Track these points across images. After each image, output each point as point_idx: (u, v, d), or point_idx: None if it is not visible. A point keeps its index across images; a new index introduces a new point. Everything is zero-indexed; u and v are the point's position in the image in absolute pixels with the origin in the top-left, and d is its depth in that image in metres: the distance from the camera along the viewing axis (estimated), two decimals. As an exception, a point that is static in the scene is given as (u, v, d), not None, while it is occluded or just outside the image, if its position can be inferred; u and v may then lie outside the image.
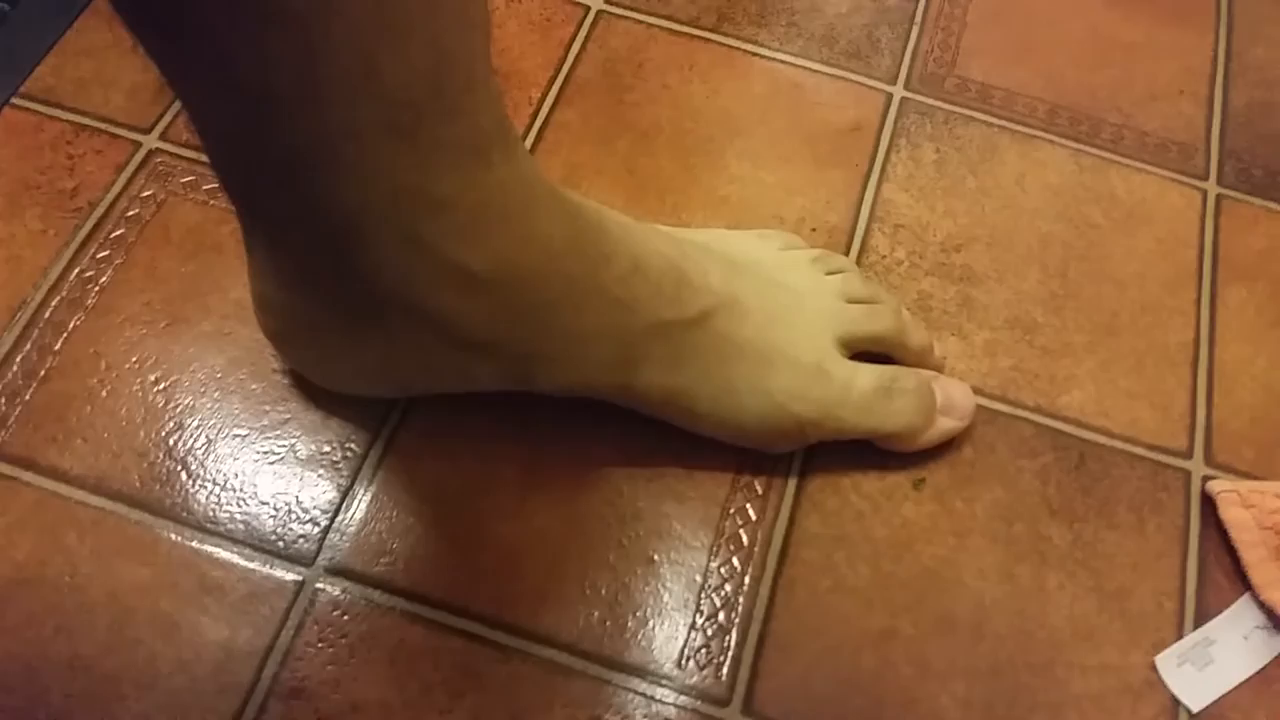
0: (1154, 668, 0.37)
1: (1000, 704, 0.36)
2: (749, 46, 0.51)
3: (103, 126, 0.45)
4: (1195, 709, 0.37)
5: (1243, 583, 0.39)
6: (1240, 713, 0.36)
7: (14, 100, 0.45)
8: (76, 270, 0.41)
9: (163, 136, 0.45)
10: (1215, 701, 0.37)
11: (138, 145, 0.44)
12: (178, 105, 0.46)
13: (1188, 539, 0.40)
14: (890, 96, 0.50)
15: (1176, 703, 0.37)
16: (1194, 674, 0.37)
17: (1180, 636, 0.38)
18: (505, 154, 0.30)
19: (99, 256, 0.41)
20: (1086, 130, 0.50)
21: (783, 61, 0.51)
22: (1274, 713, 0.37)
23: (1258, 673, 0.37)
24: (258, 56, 0.24)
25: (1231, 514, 0.40)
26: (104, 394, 0.38)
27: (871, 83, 0.50)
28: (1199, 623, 0.38)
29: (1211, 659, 0.38)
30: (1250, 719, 0.36)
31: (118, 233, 0.42)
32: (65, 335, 0.40)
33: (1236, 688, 0.37)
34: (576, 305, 0.34)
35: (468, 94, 0.28)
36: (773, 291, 0.38)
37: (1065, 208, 0.47)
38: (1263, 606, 0.38)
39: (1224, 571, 0.39)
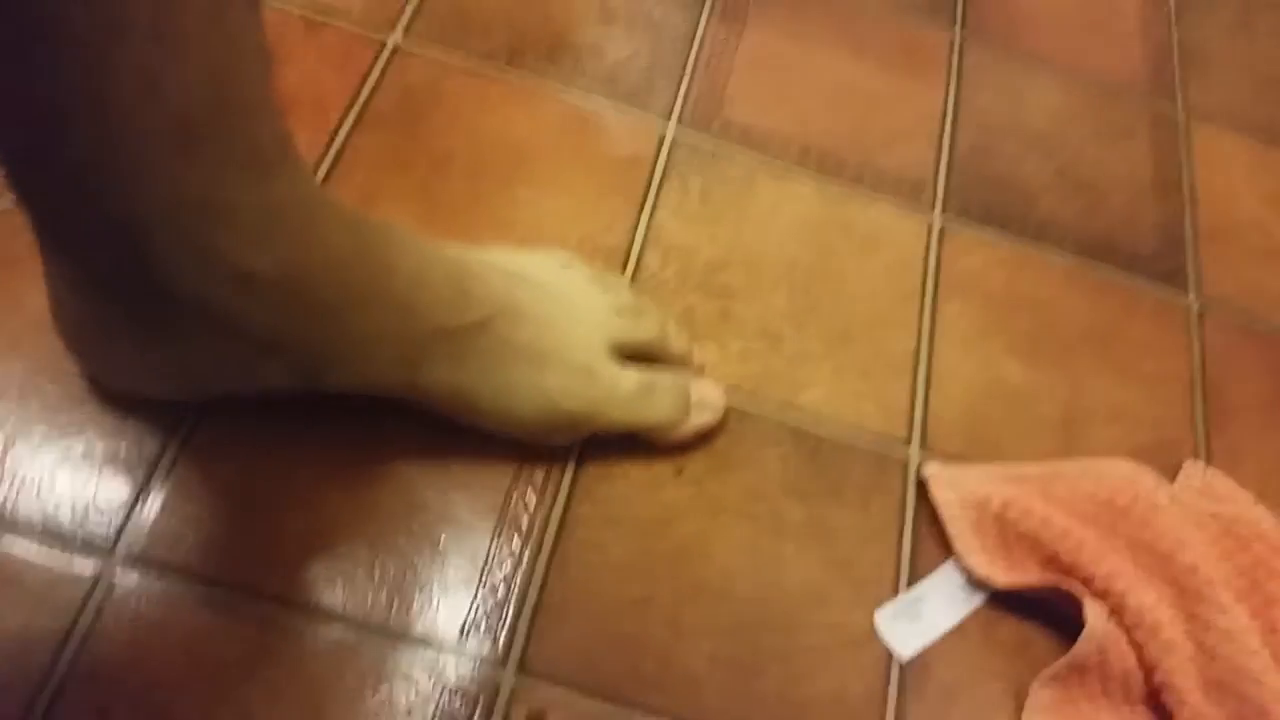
0: (873, 623, 0.44)
1: (743, 657, 0.42)
2: (538, 83, 0.56)
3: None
4: (906, 657, 0.43)
5: (948, 551, 0.46)
6: (943, 659, 0.43)
7: None
8: None
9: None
10: (924, 650, 0.44)
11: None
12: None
13: (904, 514, 0.47)
14: (664, 134, 0.56)
15: (890, 653, 0.43)
16: (906, 626, 0.44)
17: (896, 596, 0.45)
18: (286, 169, 0.34)
19: (-108, 268, 0.42)
20: (832, 167, 0.58)
21: (569, 99, 0.56)
22: (970, 657, 0.44)
23: (958, 625, 0.44)
24: (44, 73, 0.27)
25: (940, 493, 0.47)
26: (-103, 400, 0.40)
27: (648, 119, 0.56)
28: (912, 585, 0.45)
29: (921, 614, 0.45)
30: (951, 663, 0.43)
31: (-88, 245, 0.43)
32: None
33: (941, 638, 0.44)
34: (361, 309, 0.37)
35: (246, 113, 0.31)
36: (550, 301, 0.43)
37: (812, 235, 0.55)
38: (963, 570, 0.46)
39: (934, 542, 0.46)
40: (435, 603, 0.40)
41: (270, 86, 0.32)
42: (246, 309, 0.35)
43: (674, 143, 0.56)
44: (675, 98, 0.58)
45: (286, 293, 0.35)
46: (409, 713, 0.38)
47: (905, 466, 0.48)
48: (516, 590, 0.41)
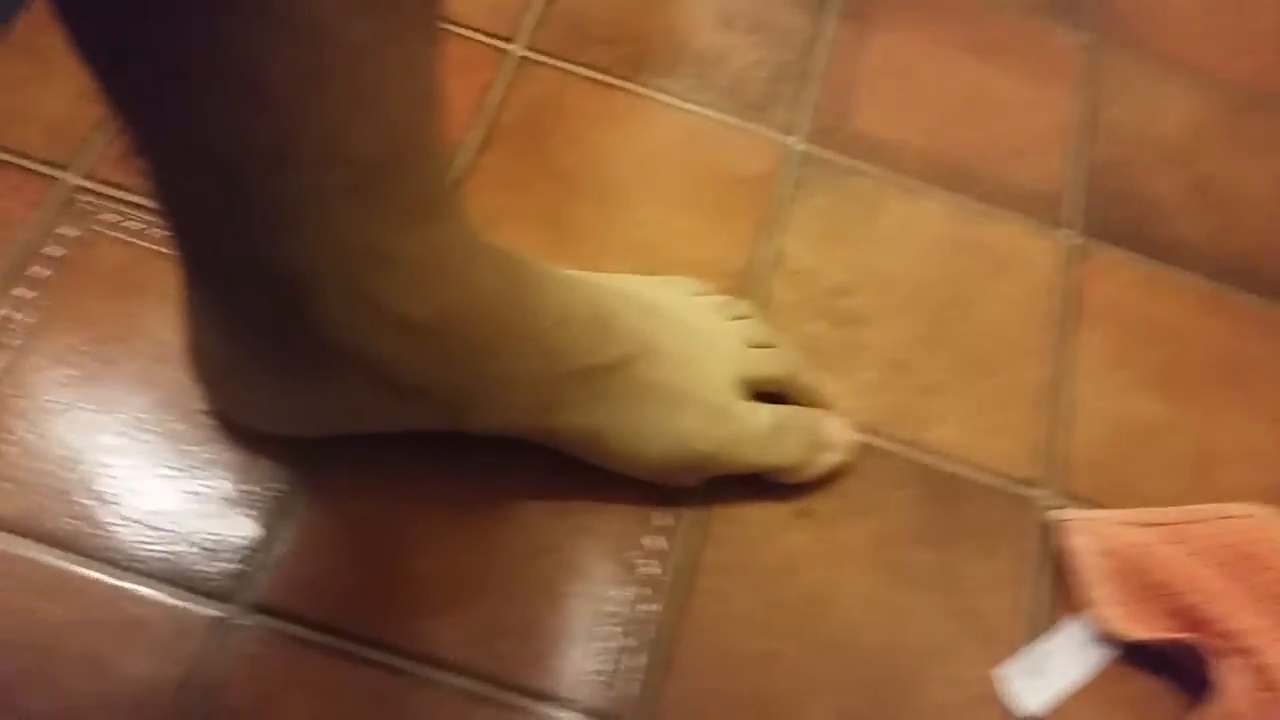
0: (998, 678, 0.42)
1: (869, 716, 0.40)
2: (661, 96, 0.54)
3: (21, 162, 0.45)
4: (1030, 712, 0.42)
5: (1079, 601, 0.44)
6: (1065, 718, 0.41)
7: (-71, 132, 0.45)
8: (1, 311, 0.42)
9: (85, 174, 0.45)
10: (1051, 707, 0.42)
11: (58, 181, 0.45)
12: (100, 143, 0.46)
13: (1034, 561, 0.45)
14: (790, 149, 0.54)
15: (1017, 709, 0.42)
16: (1031, 683, 0.43)
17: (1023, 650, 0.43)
18: (449, 211, 0.33)
19: (22, 297, 0.42)
20: (962, 183, 0.55)
21: (692, 111, 0.54)
22: (1096, 714, 0.42)
23: (1085, 680, 0.42)
24: (234, 130, 0.25)
25: (1073, 540, 0.45)
26: (30, 436, 0.39)
27: (772, 134, 0.54)
28: (1039, 636, 0.43)
29: (1046, 670, 0.43)
30: (1080, 722, 0.42)
31: (41, 273, 0.43)
32: (-10, 376, 0.40)
33: (1068, 694, 0.42)
34: (507, 353, 0.36)
35: (420, 158, 0.30)
36: (684, 335, 0.42)
37: (942, 257, 0.52)
38: (1093, 622, 0.43)
39: (1063, 591, 0.44)
40: (562, 655, 0.39)
41: (439, 128, 0.31)
42: (399, 355, 0.34)
43: (800, 159, 0.53)
44: (799, 109, 0.55)
45: (439, 338, 0.34)
46: (534, 768, 0.37)
47: (1037, 509, 0.46)
48: (643, 642, 0.40)
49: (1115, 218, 0.55)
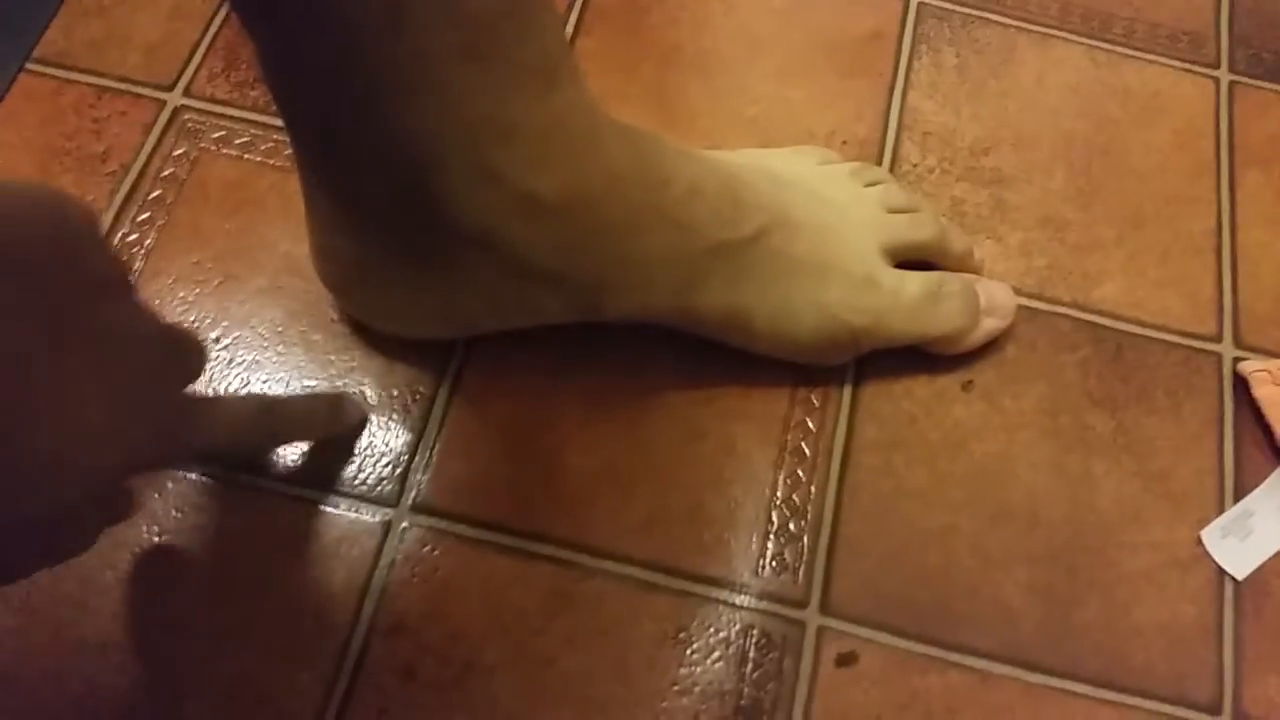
0: (1199, 542, 0.39)
1: (1060, 586, 0.38)
2: (762, -40, 0.50)
3: (124, 87, 0.44)
4: (1240, 577, 0.39)
5: (1276, 456, 0.41)
6: (1280, 577, 0.39)
7: (28, 66, 0.44)
8: (120, 234, 0.41)
9: (187, 93, 0.44)
10: (1258, 569, 0.39)
11: (163, 104, 0.44)
12: (198, 60, 0.45)
13: (1223, 418, 0.41)
14: (907, 2, 0.50)
15: (1222, 573, 0.38)
16: (1236, 545, 0.39)
17: (1221, 511, 0.40)
18: (569, 77, 0.31)
19: (140, 219, 0.41)
20: (1098, 25, 0.50)
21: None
22: (1311, 575, 0.39)
23: (1295, 539, 0.39)
24: None
25: (1263, 391, 0.41)
26: (167, 355, 0.39)
27: (886, -11, 0.50)
28: (1238, 497, 0.40)
29: (1251, 530, 0.40)
30: (1289, 582, 0.38)
31: (155, 194, 0.42)
32: (119, 300, 0.40)
33: (1276, 554, 0.39)
34: (639, 229, 0.34)
35: (536, 14, 0.28)
36: (818, 206, 0.39)
37: (1084, 105, 0.48)
38: (1296, 477, 0.40)
39: (1258, 446, 0.41)
40: (728, 541, 0.37)
41: None
42: (529, 237, 0.32)
43: (919, 12, 0.50)
44: (914, -39, 0.51)
45: (569, 216, 0.32)
46: (713, 657, 0.36)
47: (1219, 363, 0.42)
48: (809, 524, 0.38)
49: (1272, 49, 0.51)
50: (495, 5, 0.26)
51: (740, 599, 0.37)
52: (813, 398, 0.40)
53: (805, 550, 0.38)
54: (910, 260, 0.40)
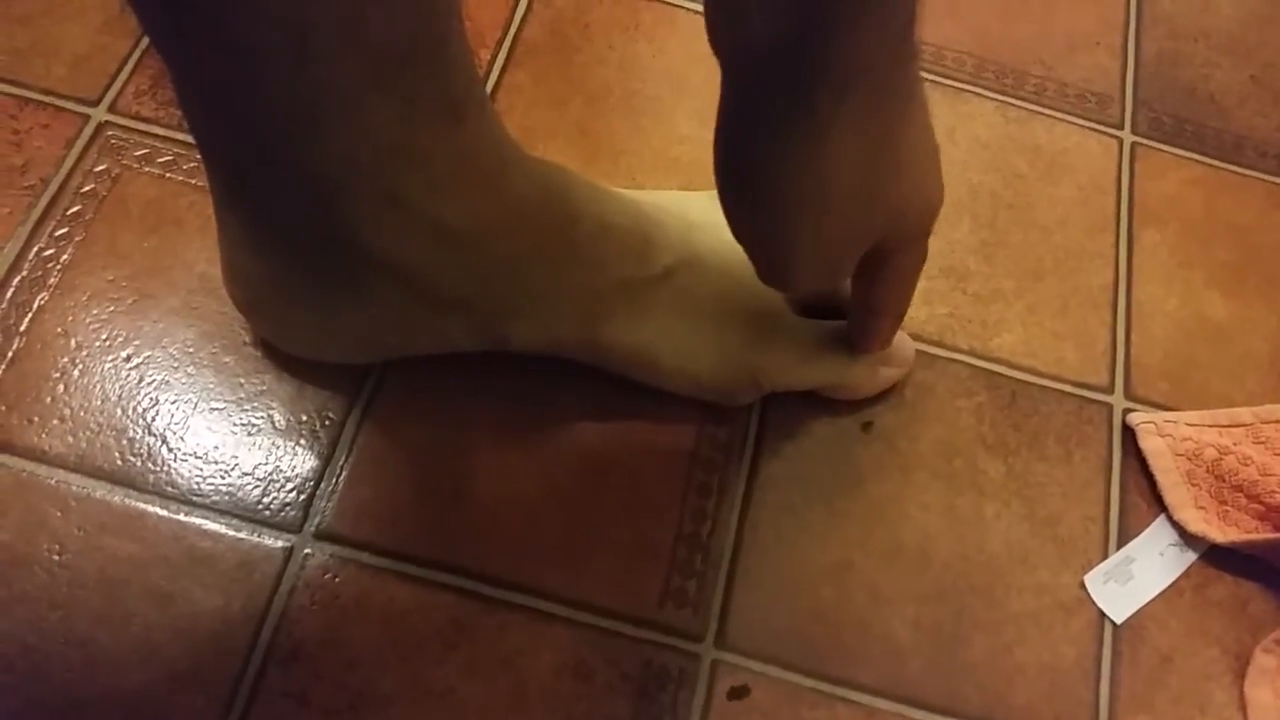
0: (1083, 585, 0.41)
1: (947, 625, 0.39)
2: (691, 5, 0.52)
3: (47, 100, 0.44)
4: (1119, 620, 0.40)
5: (1159, 505, 0.43)
6: (1157, 622, 0.40)
7: (-51, 74, 0.44)
8: (35, 249, 0.41)
9: (112, 109, 0.44)
10: (1136, 613, 0.41)
11: (86, 118, 0.44)
12: (126, 76, 0.45)
13: (1111, 467, 0.43)
14: (829, 54, 0.52)
15: (1103, 616, 0.40)
16: (1117, 589, 0.41)
17: (1105, 556, 0.41)
18: (477, 110, 0.31)
19: (57, 234, 0.41)
20: (1011, 83, 0.53)
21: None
22: (1184, 619, 0.40)
23: (1171, 585, 0.41)
24: (250, 12, 0.24)
25: (1149, 443, 0.44)
26: (76, 373, 0.39)
27: (810, 40, 0.52)
28: (1121, 543, 0.42)
29: (1132, 575, 0.42)
30: (1165, 627, 0.40)
31: (74, 209, 0.42)
32: (30, 315, 0.39)
33: (1153, 600, 0.41)
34: (547, 262, 0.35)
35: (443, 49, 0.29)
36: (728, 252, 0.40)
37: (993, 159, 0.50)
38: (1175, 526, 0.42)
39: (1143, 495, 0.43)
40: (629, 574, 0.38)
41: (461, 21, 0.29)
42: (436, 264, 0.33)
43: (840, 64, 0.51)
44: (838, 13, 0.53)
45: (476, 245, 0.33)
46: (609, 689, 0.36)
47: (1110, 413, 0.45)
48: (710, 559, 0.39)
49: (1172, 113, 0.53)
50: (401, 38, 0.27)
51: (640, 632, 0.37)
52: (719, 433, 0.41)
53: (706, 585, 0.39)
54: (815, 306, 0.42)
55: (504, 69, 0.48)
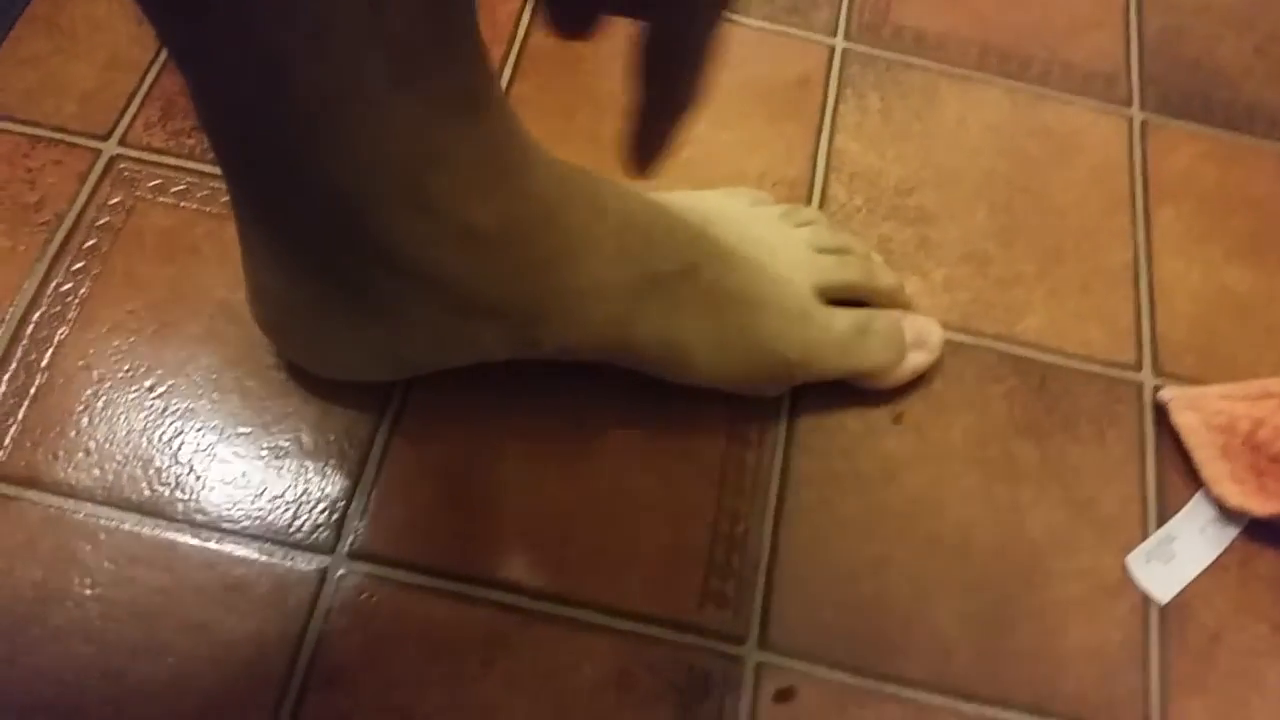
0: (1125, 567, 0.40)
1: (991, 614, 0.39)
2: (693, 8, 0.52)
3: (58, 136, 0.44)
4: (1164, 601, 0.40)
5: (1196, 481, 0.42)
6: (1202, 600, 0.40)
7: (-41, 117, 0.44)
8: (54, 284, 0.40)
9: (123, 142, 0.44)
10: (1181, 592, 0.40)
11: (98, 153, 0.44)
12: (134, 109, 0.45)
13: (1144, 445, 0.43)
14: (832, 48, 0.51)
15: (1147, 597, 0.40)
16: (1160, 569, 0.41)
17: (1145, 536, 0.41)
18: (496, 107, 0.31)
19: (74, 268, 0.41)
20: (1017, 67, 0.52)
21: (727, 20, 0.52)
22: (1230, 596, 0.40)
23: (1215, 562, 0.40)
24: (272, 8, 0.24)
25: (1182, 418, 0.43)
26: (100, 405, 0.38)
27: (813, 36, 0.52)
28: (1160, 522, 0.41)
29: (1174, 554, 0.41)
30: (1211, 604, 0.40)
31: (90, 242, 0.42)
32: (51, 350, 0.39)
33: (1197, 578, 0.40)
34: (575, 260, 0.35)
35: (460, 43, 0.29)
36: (750, 245, 0.40)
37: (1004, 144, 0.50)
38: (1214, 501, 0.41)
39: (1179, 472, 0.42)
40: (666, 578, 0.38)
41: (476, 13, 0.29)
42: (466, 270, 0.32)
43: (844, 57, 0.51)
44: (839, 8, 0.53)
45: (506, 247, 0.33)
46: (654, 696, 0.36)
47: (1140, 392, 0.44)
48: (748, 559, 0.39)
49: (1179, 89, 0.53)
50: (420, 29, 0.26)
51: (681, 637, 0.37)
52: (750, 432, 0.41)
53: (745, 586, 0.38)
54: (841, 298, 0.41)
55: (510, 81, 0.48)
